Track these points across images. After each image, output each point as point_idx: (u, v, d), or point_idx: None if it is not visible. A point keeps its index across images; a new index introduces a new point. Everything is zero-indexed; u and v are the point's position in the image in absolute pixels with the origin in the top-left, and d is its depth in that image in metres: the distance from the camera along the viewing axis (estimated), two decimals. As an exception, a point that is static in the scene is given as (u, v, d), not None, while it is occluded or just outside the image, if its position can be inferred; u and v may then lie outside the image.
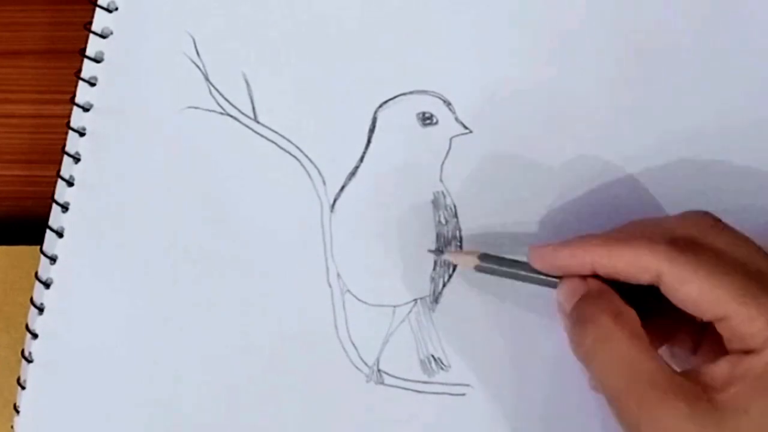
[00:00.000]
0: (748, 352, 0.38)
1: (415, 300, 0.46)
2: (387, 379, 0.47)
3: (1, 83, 0.51)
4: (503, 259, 0.43)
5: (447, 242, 0.46)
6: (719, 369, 0.38)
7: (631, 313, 0.40)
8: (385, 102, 0.46)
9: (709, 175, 0.46)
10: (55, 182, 0.47)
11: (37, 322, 0.47)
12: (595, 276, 0.41)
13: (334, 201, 0.46)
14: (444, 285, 0.46)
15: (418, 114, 0.46)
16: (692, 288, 0.38)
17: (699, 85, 0.46)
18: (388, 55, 0.46)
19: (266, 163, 0.46)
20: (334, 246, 0.46)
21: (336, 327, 0.47)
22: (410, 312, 0.46)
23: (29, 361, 0.47)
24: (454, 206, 0.46)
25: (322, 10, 0.47)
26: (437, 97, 0.46)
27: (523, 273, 0.43)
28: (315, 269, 0.47)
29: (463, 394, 0.46)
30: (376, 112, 0.46)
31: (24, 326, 0.47)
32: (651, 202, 0.46)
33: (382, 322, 0.47)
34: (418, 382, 0.46)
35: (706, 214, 0.41)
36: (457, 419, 0.46)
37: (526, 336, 0.46)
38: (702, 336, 0.43)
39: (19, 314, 0.48)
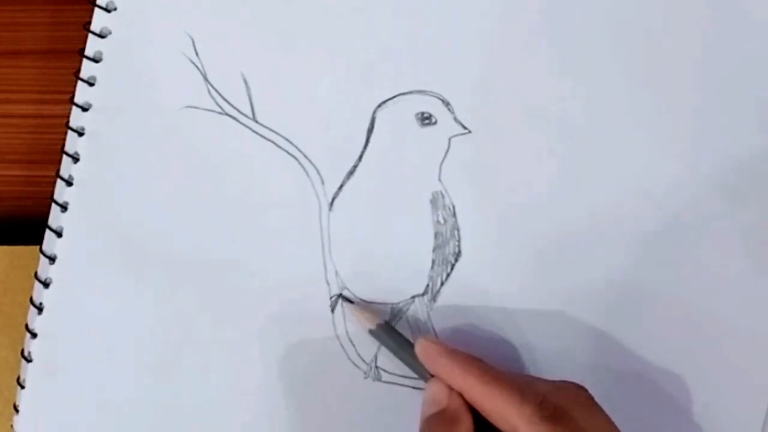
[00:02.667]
0: None
1: (413, 297, 0.47)
2: (385, 376, 0.47)
3: (1, 83, 0.51)
4: (396, 333, 0.45)
5: (445, 241, 0.46)
6: None
7: None
8: (384, 102, 0.46)
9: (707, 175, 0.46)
10: (55, 182, 0.47)
11: (36, 322, 0.47)
12: None
13: (333, 200, 0.47)
14: (442, 284, 0.46)
15: (417, 114, 0.46)
16: None
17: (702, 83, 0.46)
18: (387, 55, 0.46)
19: (265, 163, 0.47)
20: (333, 244, 0.47)
21: (334, 325, 0.47)
22: (408, 309, 0.47)
23: (29, 360, 0.47)
24: (453, 206, 0.46)
25: (320, 9, 0.47)
26: (436, 97, 0.46)
27: (405, 356, 0.45)
28: (313, 267, 0.47)
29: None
30: (374, 112, 0.46)
31: (23, 326, 0.47)
32: (651, 202, 0.46)
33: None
34: (416, 378, 0.47)
35: (581, 389, 0.42)
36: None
37: (524, 334, 0.46)
38: None
39: (19, 314, 0.49)
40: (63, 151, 0.47)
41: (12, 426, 0.47)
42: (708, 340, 0.46)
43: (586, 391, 0.42)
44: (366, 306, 0.46)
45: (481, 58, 0.46)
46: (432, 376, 0.43)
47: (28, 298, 0.47)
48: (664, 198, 0.46)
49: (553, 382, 0.42)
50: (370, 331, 0.46)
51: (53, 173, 0.47)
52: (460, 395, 0.42)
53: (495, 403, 0.40)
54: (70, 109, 0.47)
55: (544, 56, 0.46)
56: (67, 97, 0.47)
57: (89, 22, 0.47)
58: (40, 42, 0.51)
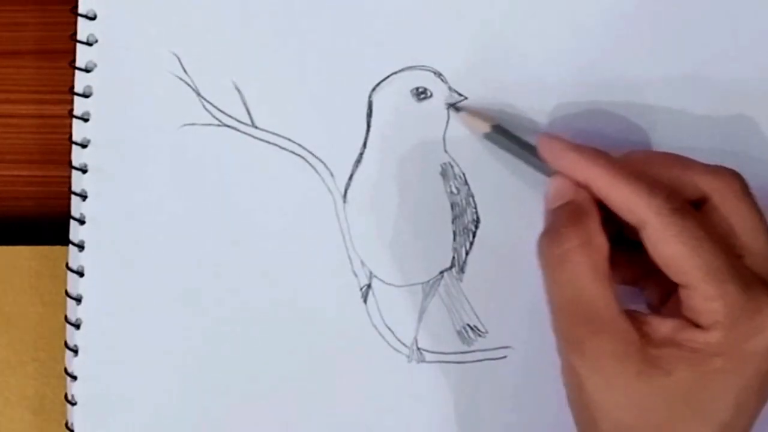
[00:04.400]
0: (696, 325, 0.39)
1: (442, 273, 0.47)
2: (428, 356, 0.47)
3: (1, 83, 0.51)
4: (513, 136, 0.44)
5: (462, 211, 0.46)
6: (664, 327, 0.39)
7: (602, 244, 0.40)
8: (378, 84, 0.46)
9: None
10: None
11: (74, 365, 0.47)
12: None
13: (345, 191, 0.47)
14: (467, 253, 0.46)
15: (411, 90, 0.46)
16: (668, 248, 0.39)
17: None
18: (372, 37, 0.46)
19: (272, 166, 0.47)
20: (353, 235, 0.47)
21: (369, 314, 0.47)
22: (439, 286, 0.47)
23: (73, 403, 0.47)
24: (464, 174, 0.46)
25: (299, 7, 0.47)
26: (428, 70, 0.46)
27: (526, 154, 0.44)
28: (338, 262, 0.47)
29: (505, 357, 0.47)
30: (370, 96, 0.46)
31: (23, 326, 0.48)
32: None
33: (413, 301, 0.47)
34: (459, 353, 0.47)
35: (735, 177, 0.41)
36: (503, 383, 0.47)
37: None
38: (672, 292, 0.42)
39: (20, 314, 0.49)
40: (71, 191, 0.47)
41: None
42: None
43: (740, 179, 0.40)
44: (474, 111, 0.46)
45: (468, 23, 0.46)
46: (555, 172, 0.42)
47: (29, 299, 0.48)
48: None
49: (701, 166, 0.41)
50: (485, 135, 0.45)
51: (53, 173, 0.47)
52: (586, 191, 0.41)
53: (623, 195, 0.39)
54: (71, 109, 0.47)
55: (534, 14, 0.46)
56: (68, 97, 0.47)
57: (74, 60, 0.47)
58: (40, 42, 0.51)
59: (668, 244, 0.38)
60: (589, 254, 0.39)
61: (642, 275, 0.43)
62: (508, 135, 0.44)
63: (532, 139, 0.44)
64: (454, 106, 0.46)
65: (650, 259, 0.40)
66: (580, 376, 0.39)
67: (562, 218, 0.41)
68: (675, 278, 0.39)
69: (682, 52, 0.46)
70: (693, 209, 0.40)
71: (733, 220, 0.40)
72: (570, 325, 0.40)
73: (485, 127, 0.45)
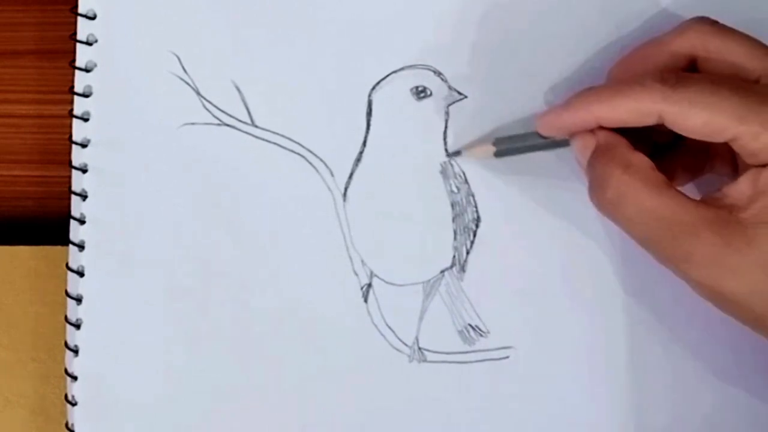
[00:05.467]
0: (764, 165, 0.39)
1: (443, 272, 0.46)
2: (429, 356, 0.47)
3: (1, 83, 0.51)
4: (515, 136, 0.44)
5: (463, 209, 0.46)
6: (741, 187, 0.39)
7: (642, 160, 0.40)
8: (378, 83, 0.46)
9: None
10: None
11: (74, 365, 0.47)
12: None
13: (345, 190, 0.47)
14: (468, 252, 0.46)
15: (411, 89, 0.46)
16: (694, 120, 0.39)
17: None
18: (372, 36, 0.46)
19: (272, 165, 0.47)
20: (354, 234, 0.47)
21: (369, 314, 0.47)
22: (440, 285, 0.47)
23: (73, 404, 0.47)
24: (463, 173, 0.46)
25: (299, 7, 0.47)
26: (428, 69, 0.46)
27: (538, 143, 0.44)
28: (338, 261, 0.47)
29: (507, 357, 0.46)
30: (370, 95, 0.46)
31: (23, 326, 0.48)
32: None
33: (414, 301, 0.47)
34: (460, 353, 0.46)
35: (702, 20, 0.41)
36: (504, 383, 0.46)
37: (558, 287, 0.46)
38: (729, 156, 0.43)
39: (20, 314, 0.49)
40: (71, 191, 0.47)
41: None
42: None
43: (707, 19, 0.41)
44: (470, 144, 0.46)
45: (466, 21, 0.46)
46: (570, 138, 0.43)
47: (29, 298, 0.48)
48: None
49: (670, 34, 0.42)
50: (496, 154, 0.45)
51: (53, 173, 0.47)
52: (605, 129, 0.41)
53: (629, 108, 0.40)
54: (71, 108, 0.47)
55: (532, 16, 0.46)
56: (67, 97, 0.47)
57: (74, 60, 0.47)
58: (40, 42, 0.51)
59: (691, 117, 0.39)
60: (636, 175, 0.40)
61: (698, 165, 0.44)
62: (513, 139, 0.45)
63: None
64: (452, 154, 0.46)
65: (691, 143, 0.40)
66: (712, 282, 0.39)
67: (597, 166, 0.41)
68: (717, 140, 0.39)
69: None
70: (689, 74, 0.40)
71: (727, 57, 0.40)
72: (668, 248, 0.39)
73: (490, 149, 0.45)
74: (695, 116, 0.38)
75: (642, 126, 0.40)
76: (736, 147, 0.39)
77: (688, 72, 0.41)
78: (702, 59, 0.41)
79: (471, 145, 0.46)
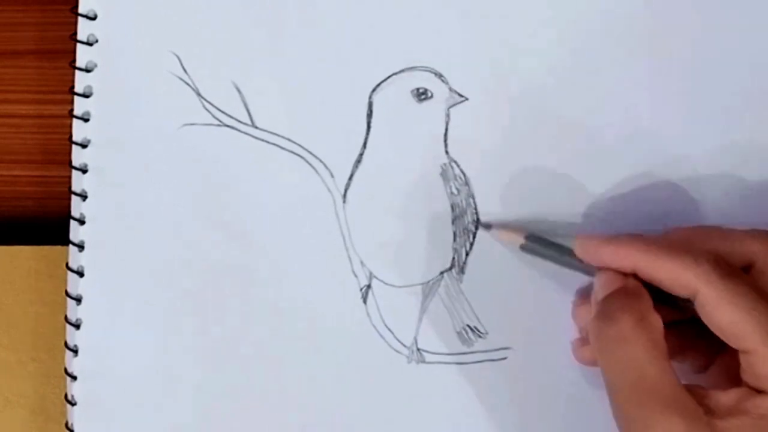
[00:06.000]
0: (760, 391, 0.38)
1: (442, 274, 0.47)
2: (427, 357, 0.47)
3: (1, 83, 0.51)
4: (547, 241, 0.44)
5: (462, 211, 0.46)
6: (727, 398, 0.39)
7: (656, 321, 0.40)
8: (378, 85, 0.46)
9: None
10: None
11: (74, 365, 0.47)
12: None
13: (345, 191, 0.47)
14: (467, 254, 0.46)
15: (412, 91, 0.46)
16: (723, 316, 0.38)
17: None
18: (373, 37, 0.46)
19: (272, 167, 0.47)
20: (353, 235, 0.47)
21: (368, 315, 0.47)
22: (439, 287, 0.47)
23: (73, 404, 0.47)
24: (464, 175, 0.46)
25: (299, 7, 0.47)
26: (428, 70, 0.46)
27: (565, 259, 0.44)
28: (338, 262, 0.47)
29: (505, 358, 0.47)
30: (370, 97, 0.46)
31: (23, 326, 0.48)
32: (651, 151, 0.46)
33: (413, 302, 0.47)
34: (459, 354, 0.47)
35: None
36: (503, 384, 0.47)
37: (556, 289, 0.46)
38: (719, 357, 0.43)
39: (20, 314, 0.49)
40: (71, 191, 0.47)
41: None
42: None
43: None
44: (503, 228, 0.46)
45: (467, 23, 0.46)
46: (597, 271, 0.42)
47: (28, 298, 0.48)
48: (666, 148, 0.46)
49: (737, 231, 0.41)
50: (522, 247, 0.45)
51: (53, 173, 0.48)
52: (636, 280, 0.41)
53: (669, 272, 0.39)
54: (71, 108, 0.47)
55: (536, 15, 0.46)
56: (68, 97, 0.47)
57: (74, 60, 0.47)
58: (40, 42, 0.51)
59: (723, 310, 0.38)
60: (646, 332, 0.39)
61: (684, 347, 0.43)
62: (544, 244, 0.44)
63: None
64: (483, 225, 0.46)
65: (691, 329, 0.40)
66: None
67: (614, 303, 0.40)
68: (733, 344, 0.39)
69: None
70: (742, 273, 0.40)
71: None
72: (635, 406, 0.39)
73: (518, 240, 0.45)
74: (726, 312, 0.38)
75: (672, 293, 0.40)
76: (744, 360, 0.39)
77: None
78: (758, 270, 0.40)
79: (503, 227, 0.46)
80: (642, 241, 0.41)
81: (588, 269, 0.43)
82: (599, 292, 0.42)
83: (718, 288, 0.38)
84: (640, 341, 0.39)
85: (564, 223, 0.46)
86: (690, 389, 0.39)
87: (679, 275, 0.39)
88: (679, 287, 0.39)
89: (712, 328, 0.39)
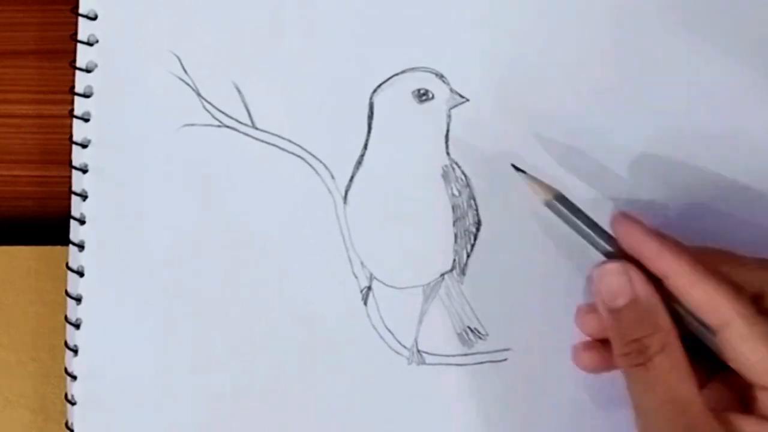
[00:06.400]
0: None
1: (442, 275, 0.46)
2: (428, 359, 0.47)
3: (1, 83, 0.51)
4: (575, 207, 0.43)
5: (464, 213, 0.46)
6: (747, 424, 0.38)
7: (680, 344, 0.39)
8: (379, 86, 0.46)
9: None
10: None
11: (74, 364, 0.47)
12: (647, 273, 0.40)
13: (346, 192, 0.46)
14: (468, 255, 0.46)
15: (413, 92, 0.46)
16: (753, 353, 0.38)
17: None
18: (374, 38, 0.46)
19: (272, 168, 0.47)
20: (353, 237, 0.47)
21: (369, 316, 0.47)
22: (439, 288, 0.47)
23: (73, 403, 0.47)
24: (465, 176, 0.46)
25: (300, 8, 0.47)
26: (429, 71, 0.46)
27: (586, 230, 0.42)
28: (338, 264, 0.47)
29: (505, 359, 0.46)
30: (371, 98, 0.46)
31: (23, 326, 0.48)
32: (654, 150, 0.46)
33: (413, 303, 0.47)
34: (459, 355, 0.46)
35: None
36: (503, 385, 0.46)
37: (557, 290, 0.46)
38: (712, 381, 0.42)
39: (20, 314, 0.49)
40: (71, 191, 0.47)
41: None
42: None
43: None
44: (537, 178, 0.44)
45: (468, 24, 0.46)
46: (611, 253, 0.41)
47: (28, 298, 0.48)
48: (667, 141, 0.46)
49: (756, 259, 0.41)
50: (547, 203, 0.43)
51: (53, 173, 0.48)
52: (652, 284, 0.40)
53: (707, 298, 0.39)
54: (71, 108, 0.47)
55: (534, 15, 0.46)
56: (68, 97, 0.47)
57: (75, 60, 0.47)
58: (41, 42, 0.51)
59: (753, 346, 0.38)
60: (673, 356, 0.39)
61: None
62: (568, 205, 0.43)
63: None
64: (516, 167, 0.45)
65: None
66: None
67: (637, 322, 0.40)
68: (757, 380, 0.38)
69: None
70: None
71: None
72: (668, 429, 0.39)
73: (548, 196, 0.43)
74: (755, 348, 0.38)
75: (699, 316, 0.40)
76: (761, 395, 0.38)
77: None
78: None
79: (537, 180, 0.44)
80: (687, 253, 0.40)
81: (601, 246, 0.42)
82: (611, 294, 0.41)
83: (751, 324, 0.38)
84: (669, 365, 0.39)
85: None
86: (714, 414, 0.39)
87: (716, 305, 0.38)
88: (710, 315, 0.39)
89: (734, 362, 0.39)
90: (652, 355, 0.39)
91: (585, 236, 0.43)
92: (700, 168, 0.46)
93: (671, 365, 0.39)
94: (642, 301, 0.40)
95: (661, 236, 0.41)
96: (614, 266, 0.41)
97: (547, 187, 0.43)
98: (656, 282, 0.40)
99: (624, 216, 0.42)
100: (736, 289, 0.39)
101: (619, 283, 0.41)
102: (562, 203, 0.43)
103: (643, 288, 0.40)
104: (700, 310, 0.39)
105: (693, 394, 0.38)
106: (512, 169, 0.45)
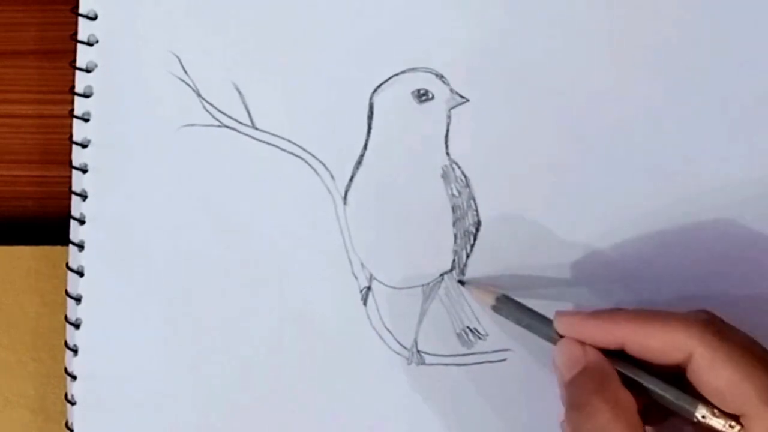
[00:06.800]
0: None
1: (442, 275, 0.47)
2: (427, 359, 0.47)
3: (1, 83, 0.51)
4: (523, 307, 0.44)
5: (463, 213, 0.46)
6: None
7: (630, 402, 0.39)
8: (379, 86, 0.46)
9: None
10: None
11: (74, 364, 0.48)
12: (600, 349, 0.41)
13: (346, 193, 0.46)
14: (468, 256, 0.46)
15: (413, 92, 0.46)
16: (721, 377, 0.37)
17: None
18: (373, 39, 0.46)
19: (272, 168, 0.47)
20: (353, 237, 0.47)
21: (369, 317, 0.47)
22: (439, 288, 0.47)
23: (72, 403, 0.47)
24: (465, 177, 0.46)
25: (300, 8, 0.47)
26: (429, 72, 0.46)
27: (534, 323, 0.43)
28: (338, 264, 0.47)
29: (504, 360, 0.46)
30: (371, 98, 0.46)
31: (23, 326, 0.48)
32: (653, 152, 0.46)
33: (413, 304, 0.47)
34: (458, 355, 0.47)
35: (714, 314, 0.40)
36: (502, 385, 0.47)
37: (557, 290, 0.46)
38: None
39: (20, 314, 0.49)
40: (71, 191, 0.47)
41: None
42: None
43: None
44: (480, 284, 0.46)
45: (467, 24, 0.46)
46: (560, 337, 0.42)
47: (28, 298, 0.48)
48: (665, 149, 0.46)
49: (690, 312, 0.40)
50: (493, 308, 0.44)
51: (53, 173, 0.48)
52: (595, 349, 0.41)
53: (662, 338, 0.38)
54: (71, 109, 0.47)
55: (534, 16, 0.46)
56: (68, 97, 0.47)
57: (75, 60, 0.47)
58: (41, 42, 0.51)
59: (719, 371, 0.37)
60: (622, 417, 0.38)
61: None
62: (515, 305, 0.44)
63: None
64: (459, 280, 0.46)
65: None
66: None
67: (586, 388, 0.40)
68: (730, 408, 0.38)
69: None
70: (735, 328, 0.39)
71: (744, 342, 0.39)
72: None
73: (491, 300, 0.44)
74: (723, 372, 0.37)
75: (662, 363, 0.39)
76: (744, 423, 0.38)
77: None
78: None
79: (478, 287, 0.45)
80: (627, 312, 0.41)
81: (552, 337, 0.42)
82: (565, 367, 0.41)
83: (713, 347, 0.37)
84: (620, 428, 0.38)
85: (566, 223, 0.46)
86: None
87: (673, 339, 0.38)
88: (673, 352, 0.39)
89: (706, 391, 0.38)
90: (603, 420, 0.39)
91: (535, 331, 0.43)
92: (696, 164, 0.46)
93: (623, 429, 0.38)
94: (592, 366, 0.40)
95: (597, 313, 0.41)
96: (569, 339, 0.42)
97: (490, 292, 0.45)
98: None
99: (561, 314, 0.42)
100: (686, 319, 0.39)
101: (571, 352, 0.41)
102: (510, 307, 0.44)
103: (592, 354, 0.41)
104: (662, 354, 0.39)
105: None
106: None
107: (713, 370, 0.38)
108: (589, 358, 0.41)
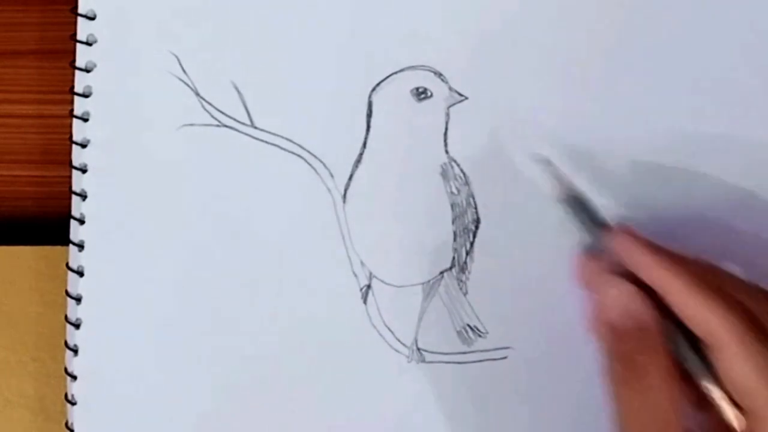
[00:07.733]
0: None
1: (442, 273, 0.47)
2: (427, 357, 0.47)
3: (1, 83, 0.51)
4: (588, 209, 0.44)
5: (463, 211, 0.46)
6: None
7: (674, 370, 0.39)
8: (378, 84, 0.46)
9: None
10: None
11: (73, 364, 0.48)
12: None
13: (345, 191, 0.47)
14: (467, 253, 0.46)
15: (411, 90, 0.46)
16: (749, 378, 0.37)
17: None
18: (372, 37, 0.46)
19: (271, 167, 0.47)
20: (353, 235, 0.47)
21: (368, 315, 0.47)
22: (439, 286, 0.47)
23: (73, 403, 0.47)
24: (464, 174, 0.46)
25: (299, 7, 0.47)
26: (428, 70, 0.46)
27: (590, 235, 0.43)
28: (338, 262, 0.47)
29: (505, 357, 0.46)
30: (370, 96, 0.46)
31: (23, 326, 0.48)
32: (654, 149, 0.46)
33: (413, 302, 0.47)
34: (459, 353, 0.47)
35: None
36: (503, 383, 0.46)
37: (557, 288, 0.46)
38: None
39: (20, 314, 0.49)
40: (71, 191, 0.47)
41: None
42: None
43: None
44: (562, 173, 0.45)
45: (467, 23, 0.46)
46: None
47: (28, 299, 0.48)
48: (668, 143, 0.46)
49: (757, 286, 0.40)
50: (559, 199, 0.44)
51: (53, 173, 0.48)
52: (654, 306, 0.40)
53: (701, 316, 0.38)
54: (71, 109, 0.47)
55: (533, 11, 0.46)
56: (68, 97, 0.47)
57: (75, 59, 0.47)
58: (40, 42, 0.51)
59: (744, 371, 0.37)
60: (668, 381, 0.38)
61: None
62: (582, 206, 0.44)
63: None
64: (537, 158, 0.45)
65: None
66: None
67: (636, 343, 0.39)
68: (743, 402, 0.38)
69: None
70: None
71: None
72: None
73: (562, 192, 0.44)
74: (750, 374, 0.37)
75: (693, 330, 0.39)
76: (750, 419, 0.37)
77: None
78: None
79: (554, 171, 0.45)
80: (683, 267, 0.39)
81: (601, 245, 0.42)
82: (613, 309, 0.40)
83: (746, 345, 0.37)
84: (664, 391, 0.38)
85: (566, 221, 0.46)
86: None
87: (709, 323, 0.38)
88: (705, 334, 0.38)
89: (729, 383, 0.38)
90: (654, 386, 0.38)
91: (591, 233, 0.43)
92: (701, 170, 0.46)
93: (667, 392, 0.38)
94: (645, 323, 0.40)
95: (658, 251, 0.40)
96: (618, 280, 0.41)
97: (567, 185, 0.44)
98: (655, 298, 0.40)
99: (621, 230, 0.42)
100: (732, 308, 0.38)
101: (621, 297, 0.40)
102: (576, 204, 0.44)
103: (644, 307, 0.40)
104: (694, 328, 0.39)
105: (678, 421, 0.38)
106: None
107: (742, 368, 0.37)
108: (644, 311, 0.40)
